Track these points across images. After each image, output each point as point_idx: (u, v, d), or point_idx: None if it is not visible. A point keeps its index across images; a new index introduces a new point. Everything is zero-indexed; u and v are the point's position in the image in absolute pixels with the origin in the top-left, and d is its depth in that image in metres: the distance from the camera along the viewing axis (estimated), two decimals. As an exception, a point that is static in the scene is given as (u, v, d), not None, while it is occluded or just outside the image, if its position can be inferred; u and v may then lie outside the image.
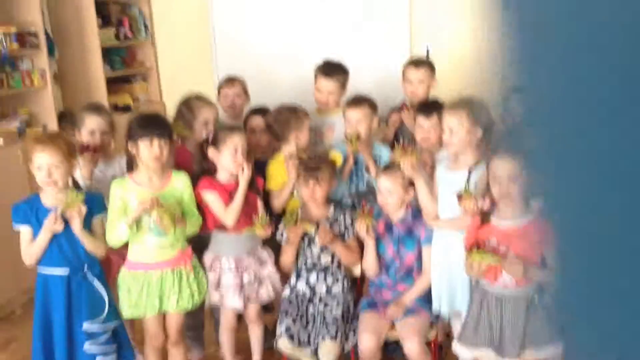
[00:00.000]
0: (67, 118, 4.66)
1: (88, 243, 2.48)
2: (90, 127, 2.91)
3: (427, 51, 4.83)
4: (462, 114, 2.54)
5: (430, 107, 2.89)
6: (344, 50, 4.93)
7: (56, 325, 2.49)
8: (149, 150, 2.51)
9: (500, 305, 2.27)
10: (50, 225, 2.41)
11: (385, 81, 4.90)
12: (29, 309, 3.87)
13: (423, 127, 2.84)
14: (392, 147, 3.17)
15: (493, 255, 2.19)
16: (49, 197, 2.48)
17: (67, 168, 2.45)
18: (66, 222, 2.44)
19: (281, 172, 2.93)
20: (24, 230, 2.49)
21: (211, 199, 2.70)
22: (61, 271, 2.49)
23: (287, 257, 2.79)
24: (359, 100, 2.97)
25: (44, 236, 2.44)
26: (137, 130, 2.56)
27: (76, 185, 2.60)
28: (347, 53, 4.90)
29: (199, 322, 3.11)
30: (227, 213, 2.68)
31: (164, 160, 2.57)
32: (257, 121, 3.16)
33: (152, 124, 2.59)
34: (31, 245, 2.48)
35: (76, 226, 2.42)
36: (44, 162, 2.40)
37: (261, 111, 3.21)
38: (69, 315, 2.50)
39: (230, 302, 2.75)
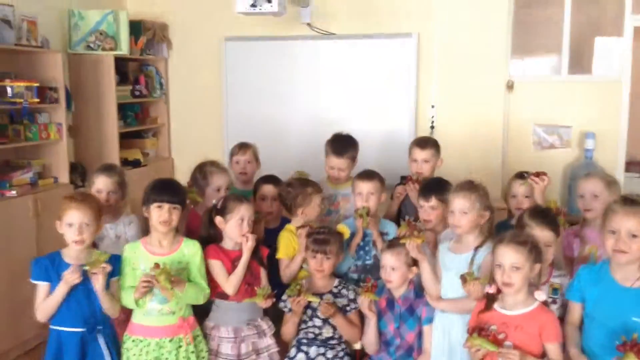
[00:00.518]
0: (77, 170, 4.78)
1: (106, 302, 2.53)
2: (97, 187, 3.06)
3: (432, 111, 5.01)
4: (473, 196, 2.63)
5: (429, 189, 2.97)
6: (351, 117, 5.14)
7: None
8: (158, 214, 2.60)
9: None
10: (69, 278, 2.44)
11: (391, 147, 5.07)
12: (27, 361, 3.90)
13: (423, 208, 2.92)
14: (397, 220, 3.28)
15: (492, 343, 2.23)
16: (72, 255, 2.54)
17: (94, 228, 2.56)
18: (84, 280, 2.48)
19: (291, 242, 2.99)
20: (42, 286, 2.53)
21: (216, 267, 2.75)
22: (76, 329, 2.53)
23: (288, 327, 2.82)
24: (370, 175, 3.07)
25: (62, 289, 2.48)
26: (150, 195, 2.66)
27: (93, 245, 2.67)
28: (355, 119, 5.12)
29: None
30: (229, 282, 2.74)
31: (173, 225, 2.65)
32: (268, 189, 3.25)
33: (164, 189, 2.69)
34: (47, 300, 2.51)
35: (99, 284, 2.47)
36: (76, 220, 2.50)
37: (272, 179, 3.31)
38: None
39: None
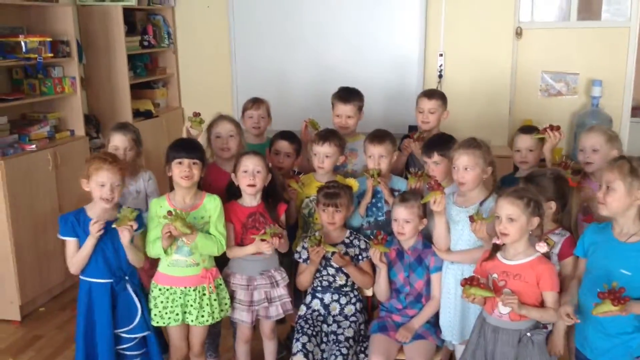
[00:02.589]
0: (91, 122, 4.87)
1: (131, 255, 2.69)
2: (115, 144, 3.16)
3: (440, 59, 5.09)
4: (477, 153, 2.72)
5: (432, 145, 3.04)
6: (360, 67, 5.17)
7: (100, 329, 2.69)
8: (179, 169, 2.74)
9: (496, 334, 2.45)
10: (93, 229, 2.59)
11: (399, 97, 5.12)
12: (52, 308, 4.12)
13: (427, 164, 3.01)
14: (405, 173, 3.38)
15: (486, 290, 2.37)
16: (97, 211, 2.68)
17: (121, 188, 2.71)
18: (111, 235, 2.64)
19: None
20: (71, 242, 2.68)
21: (227, 228, 2.88)
22: (105, 281, 2.69)
23: (305, 276, 2.96)
24: (381, 137, 3.12)
25: (90, 242, 2.63)
26: (171, 154, 2.81)
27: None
28: (363, 69, 5.15)
29: (216, 331, 3.31)
30: (231, 251, 2.90)
31: (195, 179, 2.78)
32: (282, 144, 3.35)
33: (183, 146, 2.83)
34: (76, 254, 2.67)
35: (126, 239, 2.62)
36: (108, 180, 2.63)
37: (288, 135, 3.40)
38: (113, 320, 2.70)
39: (239, 316, 2.95)
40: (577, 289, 2.45)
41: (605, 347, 2.35)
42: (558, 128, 3.12)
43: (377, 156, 3.09)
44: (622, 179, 2.27)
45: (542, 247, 2.38)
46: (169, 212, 2.65)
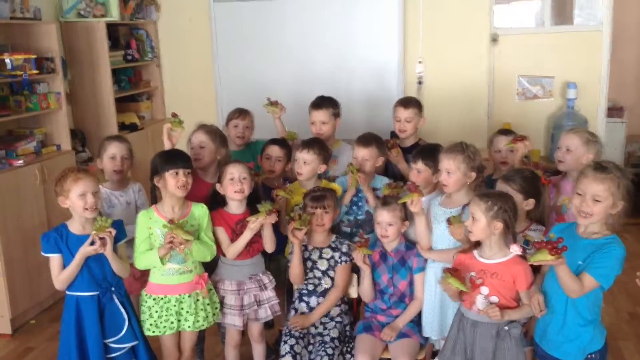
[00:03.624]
0: (77, 136, 4.93)
1: (115, 265, 2.72)
2: (112, 152, 3.22)
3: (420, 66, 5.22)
4: (459, 158, 2.82)
5: (419, 153, 3.11)
6: (340, 75, 5.28)
7: (91, 341, 2.72)
8: (176, 179, 2.79)
9: (474, 329, 2.54)
10: (87, 248, 2.62)
11: (380, 104, 5.23)
12: (43, 320, 4.16)
13: (412, 171, 3.11)
14: (386, 173, 3.47)
15: (462, 284, 2.48)
16: (77, 225, 2.72)
17: (98, 197, 2.73)
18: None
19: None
20: (55, 258, 2.70)
21: (218, 233, 2.97)
22: (92, 293, 2.73)
23: (294, 267, 3.00)
24: (368, 140, 3.23)
25: (78, 260, 2.66)
26: (163, 164, 2.84)
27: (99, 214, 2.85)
28: (344, 77, 5.27)
29: (200, 336, 3.37)
30: (229, 250, 2.96)
31: (189, 188, 2.85)
32: (273, 149, 3.44)
33: (177, 157, 2.89)
34: (62, 271, 2.69)
35: (108, 248, 2.65)
36: (88, 189, 2.66)
37: (280, 142, 3.51)
38: (102, 331, 2.73)
39: (230, 320, 3.02)
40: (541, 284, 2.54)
41: (560, 340, 2.45)
42: (523, 138, 3.22)
43: (361, 158, 3.20)
44: (609, 190, 2.32)
45: (515, 250, 2.48)
46: (170, 221, 2.70)
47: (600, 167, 2.39)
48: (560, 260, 2.19)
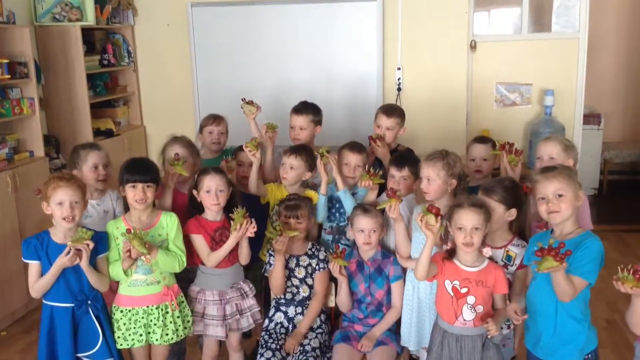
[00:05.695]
0: (51, 142, 4.84)
1: (92, 278, 2.65)
2: (93, 162, 3.14)
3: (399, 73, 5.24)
4: (438, 165, 2.80)
5: (404, 160, 3.11)
6: (319, 81, 5.26)
7: (62, 353, 2.65)
8: (133, 193, 2.74)
9: (460, 343, 2.52)
10: (63, 259, 2.55)
11: (359, 111, 5.21)
12: (15, 332, 4.06)
13: (394, 178, 3.08)
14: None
15: (435, 218, 2.46)
16: (60, 234, 2.65)
17: (82, 207, 2.65)
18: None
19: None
20: (33, 265, 2.64)
21: (196, 241, 2.91)
22: (67, 305, 2.66)
23: (276, 276, 2.95)
24: (357, 148, 3.24)
25: (55, 270, 2.59)
26: (124, 175, 2.78)
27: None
28: (323, 84, 5.25)
29: (181, 349, 3.31)
30: (209, 259, 2.89)
31: (149, 202, 2.77)
32: (245, 155, 3.35)
33: (136, 168, 2.80)
34: (39, 279, 2.63)
35: (83, 260, 2.58)
36: (67, 198, 2.58)
37: None
38: (75, 344, 2.67)
39: (213, 332, 2.96)
40: (524, 293, 2.54)
41: (555, 344, 2.44)
42: (512, 146, 3.14)
43: (354, 165, 3.19)
44: (565, 182, 2.40)
45: (487, 252, 2.47)
46: (128, 230, 2.64)
47: (546, 169, 2.51)
48: (564, 265, 2.20)
